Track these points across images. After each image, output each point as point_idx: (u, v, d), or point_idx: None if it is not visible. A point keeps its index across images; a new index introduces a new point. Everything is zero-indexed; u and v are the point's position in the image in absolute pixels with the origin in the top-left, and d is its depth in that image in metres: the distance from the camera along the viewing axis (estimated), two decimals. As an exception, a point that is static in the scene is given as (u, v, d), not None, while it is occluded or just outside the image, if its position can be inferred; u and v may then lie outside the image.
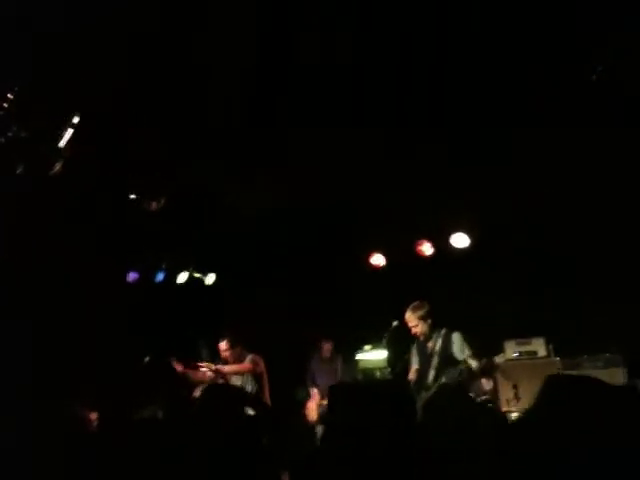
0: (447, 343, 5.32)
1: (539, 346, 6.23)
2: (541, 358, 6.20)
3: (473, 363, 5.14)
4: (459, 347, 5.27)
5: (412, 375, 5.49)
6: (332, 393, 2.20)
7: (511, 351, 6.29)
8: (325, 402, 6.24)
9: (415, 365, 5.56)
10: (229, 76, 4.81)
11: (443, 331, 5.41)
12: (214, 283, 7.99)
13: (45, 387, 5.34)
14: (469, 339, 5.38)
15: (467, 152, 5.74)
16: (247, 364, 5.84)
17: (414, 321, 5.42)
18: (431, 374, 5.33)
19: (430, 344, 5.43)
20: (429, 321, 5.43)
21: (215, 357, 5.96)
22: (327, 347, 7.40)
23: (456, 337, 5.32)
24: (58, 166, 4.83)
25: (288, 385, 7.29)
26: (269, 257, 7.80)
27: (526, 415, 1.52)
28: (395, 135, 5.54)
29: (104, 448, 2.50)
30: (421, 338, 5.47)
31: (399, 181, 6.22)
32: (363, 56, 4.62)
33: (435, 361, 5.34)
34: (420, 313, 5.42)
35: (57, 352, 5.95)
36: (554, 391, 1.20)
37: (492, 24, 4.24)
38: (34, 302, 5.89)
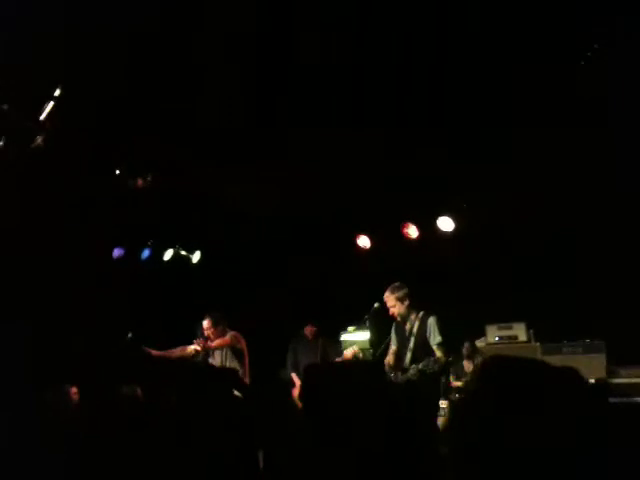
0: (424, 326, 5.35)
1: (520, 331, 6.24)
2: (521, 343, 6.21)
3: (438, 352, 5.16)
4: (431, 332, 5.30)
5: (389, 358, 5.52)
6: (307, 374, 2.18)
7: (492, 335, 6.31)
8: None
9: (393, 346, 5.61)
10: (229, 76, 4.81)
11: (420, 314, 5.42)
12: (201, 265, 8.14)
13: (32, 371, 5.32)
14: (449, 324, 5.41)
15: (467, 152, 5.74)
16: (227, 338, 6.18)
17: (392, 302, 5.44)
18: (407, 356, 5.36)
19: (407, 326, 5.46)
20: (407, 303, 5.43)
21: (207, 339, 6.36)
22: (310, 330, 7.37)
23: (431, 321, 5.34)
24: (39, 140, 4.85)
25: (274, 367, 7.34)
26: (268, 256, 7.83)
27: (463, 396, 1.53)
28: (395, 135, 5.54)
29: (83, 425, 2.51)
30: (398, 319, 5.51)
31: (399, 181, 6.23)
32: (363, 56, 4.62)
33: (411, 343, 5.36)
34: (398, 294, 5.42)
35: (43, 333, 5.95)
36: (488, 373, 1.20)
37: (492, 24, 4.25)
38: (14, 278, 5.87)
